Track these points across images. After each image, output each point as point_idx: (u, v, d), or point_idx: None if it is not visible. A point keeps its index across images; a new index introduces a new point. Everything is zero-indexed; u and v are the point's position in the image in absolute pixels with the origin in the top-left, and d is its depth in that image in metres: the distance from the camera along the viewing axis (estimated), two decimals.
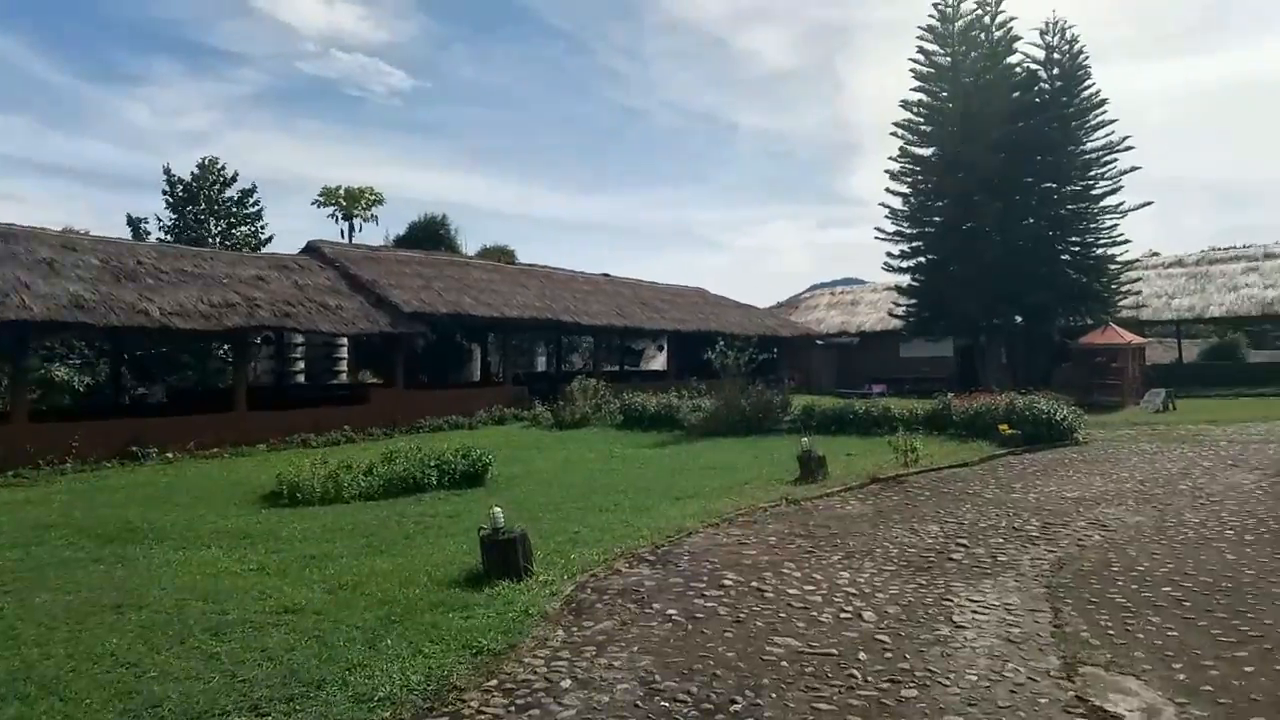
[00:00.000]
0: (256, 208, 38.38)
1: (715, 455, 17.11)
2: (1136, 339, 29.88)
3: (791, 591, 7.34)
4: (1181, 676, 5.14)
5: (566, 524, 10.09)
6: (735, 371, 23.59)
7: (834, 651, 5.82)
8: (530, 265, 37.47)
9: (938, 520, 10.44)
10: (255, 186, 38.50)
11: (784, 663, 5.63)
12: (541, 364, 49.03)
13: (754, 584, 7.54)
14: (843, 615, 6.66)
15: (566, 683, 5.33)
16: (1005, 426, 17.31)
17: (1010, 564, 8.20)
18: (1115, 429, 20.21)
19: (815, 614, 6.69)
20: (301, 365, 33.65)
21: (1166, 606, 6.58)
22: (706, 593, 7.27)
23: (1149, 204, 32.07)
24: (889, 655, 5.74)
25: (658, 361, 48.47)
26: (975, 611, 6.66)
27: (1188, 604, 6.60)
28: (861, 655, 5.74)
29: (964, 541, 9.22)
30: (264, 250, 35.72)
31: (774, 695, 5.11)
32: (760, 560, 8.40)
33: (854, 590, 7.37)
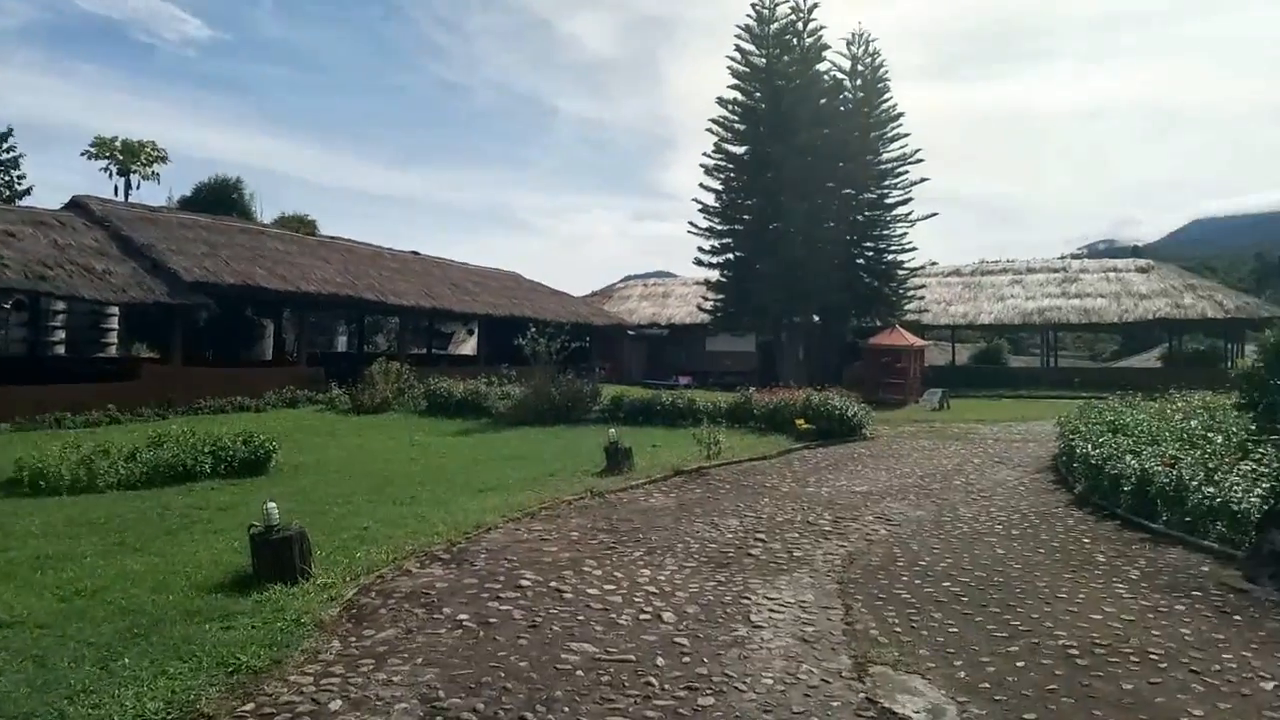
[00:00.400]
0: (12, 154, 33.79)
1: (522, 445, 16.68)
2: (919, 341, 32.24)
3: (591, 592, 7.07)
4: (963, 674, 5.30)
5: (355, 518, 9.34)
6: (546, 359, 23.21)
7: (632, 657, 5.59)
8: (332, 238, 35.21)
9: (737, 514, 10.56)
10: (12, 130, 33.96)
11: (579, 672, 5.33)
12: (342, 344, 46.51)
13: (553, 584, 7.21)
14: (642, 617, 6.46)
15: (336, 704, 4.76)
16: (802, 421, 18.00)
17: (805, 559, 8.35)
18: (898, 425, 21.59)
19: (614, 616, 6.45)
20: (62, 335, 29.93)
21: (947, 602, 6.86)
22: (502, 595, 6.86)
23: (934, 215, 34.64)
24: (687, 659, 5.58)
25: (468, 346, 47.28)
26: (772, 610, 6.67)
27: (965, 599, 6.92)
28: (660, 660, 5.55)
29: (762, 536, 9.34)
30: (19, 203, 31.46)
31: (567, 709, 4.80)
32: (561, 558, 8.09)
33: (655, 589, 7.21)
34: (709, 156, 33.42)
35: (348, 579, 7.02)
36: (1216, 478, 9.16)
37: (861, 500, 11.65)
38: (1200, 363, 42.17)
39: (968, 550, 8.68)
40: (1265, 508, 8.54)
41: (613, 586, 7.26)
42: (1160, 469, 9.71)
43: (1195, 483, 9.19)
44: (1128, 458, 10.63)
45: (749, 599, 6.96)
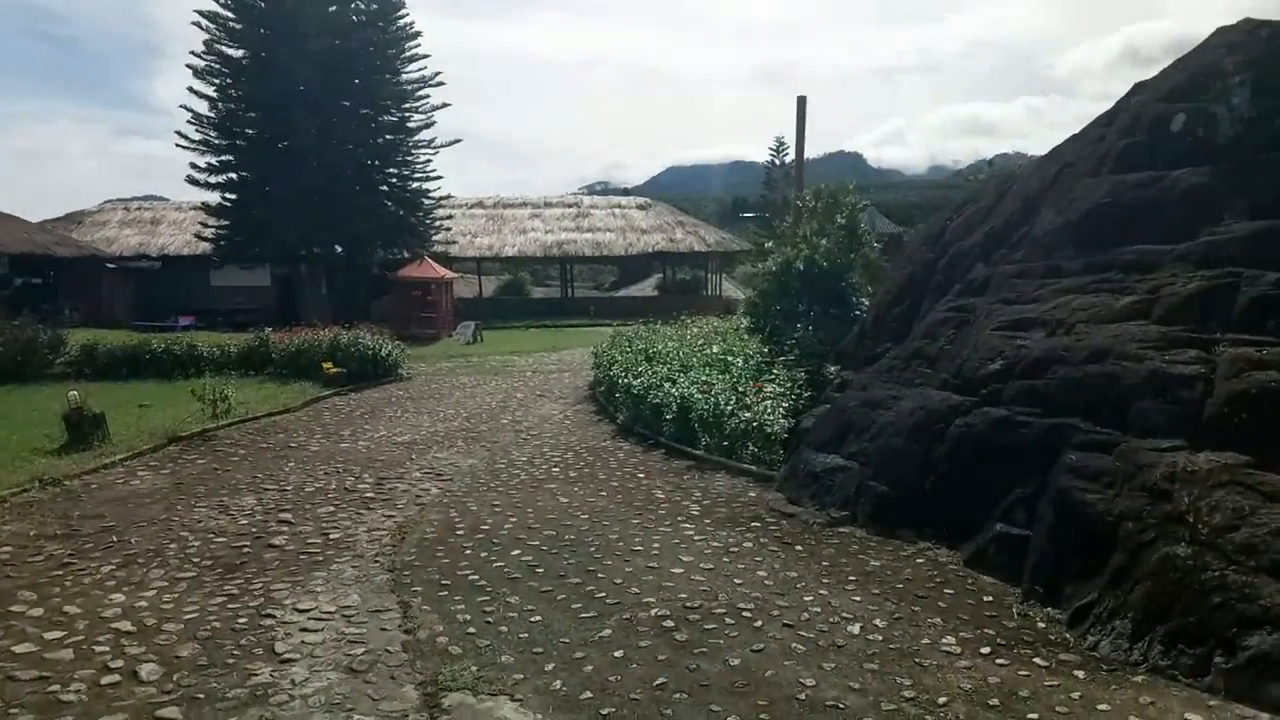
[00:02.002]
0: None
1: None
2: (449, 273, 31.40)
3: (21, 649, 4.74)
4: (559, 684, 4.28)
5: None
6: None
7: None
8: None
9: (255, 489, 8.51)
10: None
11: None
12: None
13: None
14: (107, 681, 4.40)
15: None
16: (329, 365, 15.96)
17: (345, 542, 6.77)
18: (435, 362, 20.52)
19: (57, 688, 4.29)
20: None
21: (522, 578, 5.85)
22: None
23: (459, 141, 33.50)
24: None
25: None
26: (305, 629, 5.03)
27: (541, 570, 5.98)
28: None
29: (288, 516, 7.50)
30: None
31: None
32: None
33: (131, 624, 5.10)
34: (199, 56, 28.28)
35: None
36: (748, 401, 9.52)
37: (406, 453, 10.29)
38: (688, 291, 48.05)
39: (530, 504, 7.84)
40: (790, 427, 9.05)
41: (61, 632, 4.99)
42: (699, 396, 9.88)
43: (730, 408, 9.47)
44: (667, 386, 10.75)
45: (272, 617, 5.22)
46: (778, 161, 53.89)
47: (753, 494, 8.03)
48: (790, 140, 52.85)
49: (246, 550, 6.57)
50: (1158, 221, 7.31)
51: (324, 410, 13.55)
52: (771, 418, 8.96)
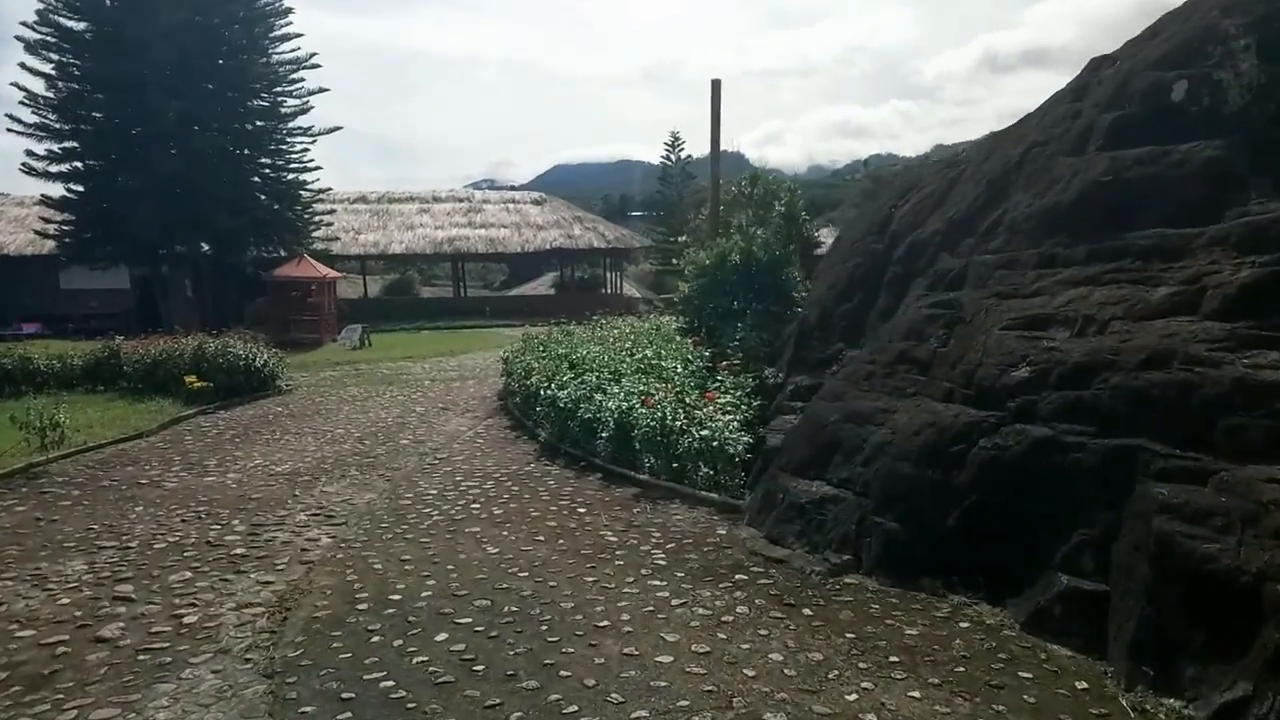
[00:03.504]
0: None
1: None
2: (331, 273, 28.94)
3: None
4: None
5: None
6: None
7: None
8: None
9: (87, 547, 6.61)
10: None
11: None
12: None
13: None
14: None
15: None
16: (193, 378, 13.77)
17: (204, 629, 5.05)
18: (318, 370, 18.40)
19: None
20: None
21: (456, 682, 4.29)
22: None
23: (338, 128, 30.73)
24: None
25: None
26: None
27: (481, 668, 4.43)
28: None
29: (127, 589, 5.69)
30: None
31: None
32: None
33: None
34: (32, 28, 24.82)
35: None
36: (698, 415, 8.18)
37: (287, 487, 8.48)
38: (587, 289, 46.60)
39: (451, 556, 6.25)
40: (751, 444, 7.77)
41: None
42: (641, 410, 8.47)
43: (678, 423, 8.10)
44: (598, 398, 9.30)
45: None
46: (673, 157, 52.94)
47: (722, 531, 6.68)
48: (686, 135, 52.11)
49: (62, 650, 4.77)
50: (1172, 201, 6.35)
51: (185, 434, 11.46)
52: (733, 436, 7.64)
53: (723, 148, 17.59)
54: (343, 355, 21.82)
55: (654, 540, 6.47)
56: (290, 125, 29.33)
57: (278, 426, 11.89)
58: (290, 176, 29.77)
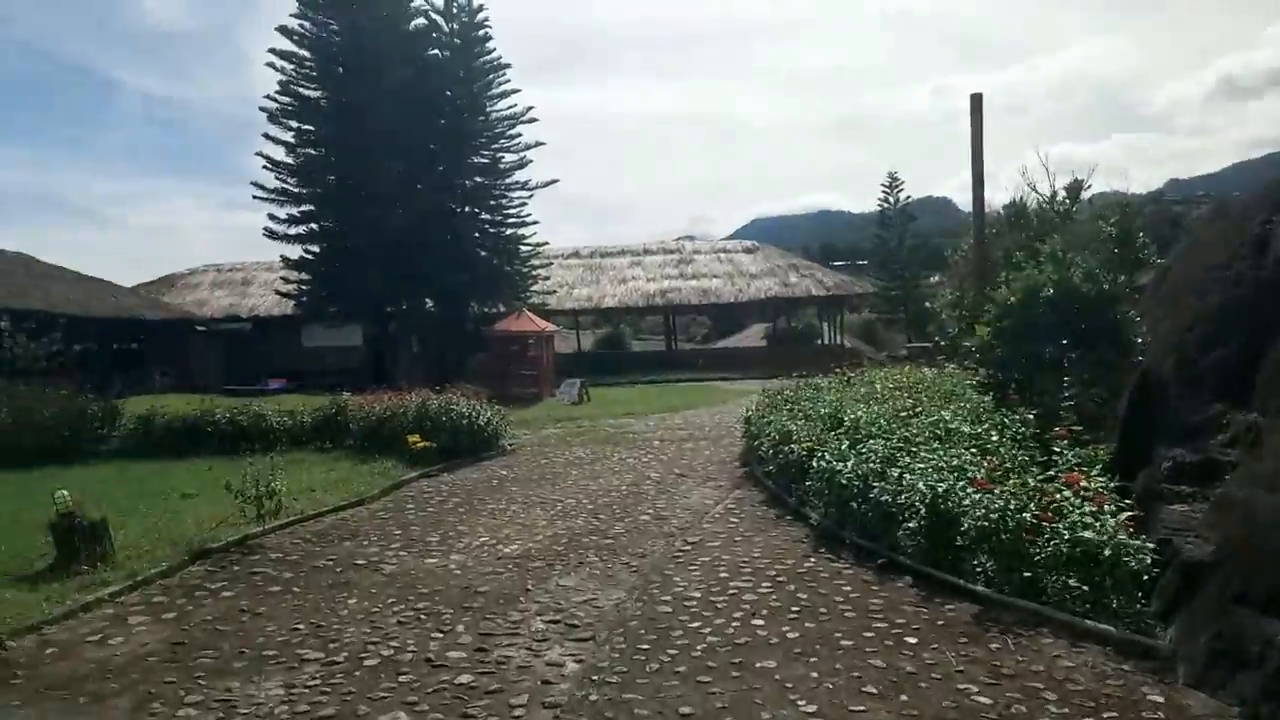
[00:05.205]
0: None
1: None
2: (549, 326, 28.56)
3: None
4: None
5: None
6: (31, 364, 15.59)
7: None
8: None
9: (288, 657, 5.34)
10: None
11: None
12: None
13: None
14: None
15: None
16: (416, 437, 12.94)
17: None
18: (540, 428, 17.41)
19: None
20: None
21: None
22: None
23: (556, 181, 30.65)
24: None
25: None
26: None
27: None
28: None
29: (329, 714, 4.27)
30: None
31: None
32: None
33: None
34: (273, 99, 26.39)
35: None
36: (1048, 503, 5.92)
37: (517, 577, 7.01)
38: (802, 340, 44.29)
39: (745, 709, 4.40)
40: (1160, 557, 5.41)
41: None
42: (973, 494, 6.31)
43: (1027, 515, 5.88)
44: (896, 472, 7.22)
45: None
46: (891, 200, 49.99)
47: (1155, 696, 4.39)
48: (883, 180, 48.85)
49: None
50: None
51: (407, 501, 10.45)
52: (1130, 541, 5.33)
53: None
54: (562, 411, 20.89)
55: (1051, 709, 4.29)
56: (508, 180, 29.58)
57: (503, 494, 10.65)
58: (509, 231, 29.96)
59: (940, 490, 6.55)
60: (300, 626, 5.92)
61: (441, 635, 5.69)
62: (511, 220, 29.98)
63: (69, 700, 4.76)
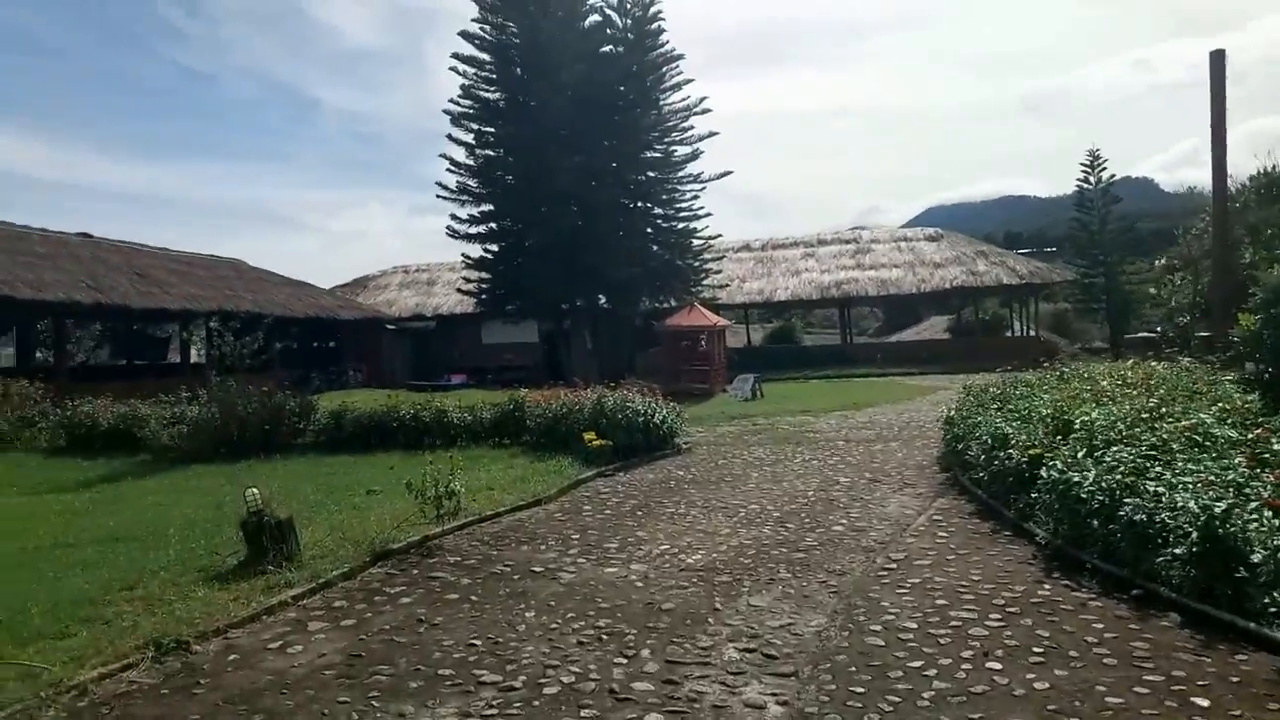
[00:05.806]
0: None
1: (149, 509, 10.29)
2: (721, 320, 27.96)
3: None
4: None
5: None
6: (238, 362, 16.54)
7: None
8: None
9: (463, 677, 4.95)
10: None
11: None
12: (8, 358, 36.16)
13: None
14: None
15: None
16: (592, 436, 12.64)
17: None
18: (714, 425, 16.81)
19: None
20: None
21: None
22: None
23: (729, 173, 29.87)
24: None
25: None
26: None
27: None
28: None
29: None
30: None
31: None
32: None
33: None
34: (456, 103, 27.16)
35: None
36: None
37: (704, 593, 6.39)
38: (989, 331, 41.40)
39: None
40: None
41: None
42: (1268, 517, 5.11)
43: None
44: (1152, 487, 6.05)
45: None
46: (1092, 180, 45.80)
47: None
48: (1106, 154, 44.62)
49: None
50: None
51: (584, 502, 10.09)
52: None
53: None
54: (736, 408, 20.20)
55: None
56: (680, 174, 29.14)
57: (681, 496, 10.09)
58: (681, 225, 29.55)
59: (1218, 511, 5.37)
60: (477, 642, 5.55)
61: (625, 661, 5.15)
62: (683, 214, 29.56)
63: (244, 718, 4.55)
